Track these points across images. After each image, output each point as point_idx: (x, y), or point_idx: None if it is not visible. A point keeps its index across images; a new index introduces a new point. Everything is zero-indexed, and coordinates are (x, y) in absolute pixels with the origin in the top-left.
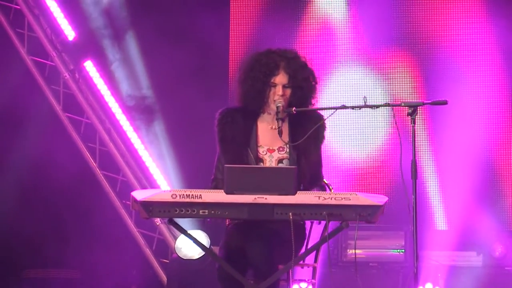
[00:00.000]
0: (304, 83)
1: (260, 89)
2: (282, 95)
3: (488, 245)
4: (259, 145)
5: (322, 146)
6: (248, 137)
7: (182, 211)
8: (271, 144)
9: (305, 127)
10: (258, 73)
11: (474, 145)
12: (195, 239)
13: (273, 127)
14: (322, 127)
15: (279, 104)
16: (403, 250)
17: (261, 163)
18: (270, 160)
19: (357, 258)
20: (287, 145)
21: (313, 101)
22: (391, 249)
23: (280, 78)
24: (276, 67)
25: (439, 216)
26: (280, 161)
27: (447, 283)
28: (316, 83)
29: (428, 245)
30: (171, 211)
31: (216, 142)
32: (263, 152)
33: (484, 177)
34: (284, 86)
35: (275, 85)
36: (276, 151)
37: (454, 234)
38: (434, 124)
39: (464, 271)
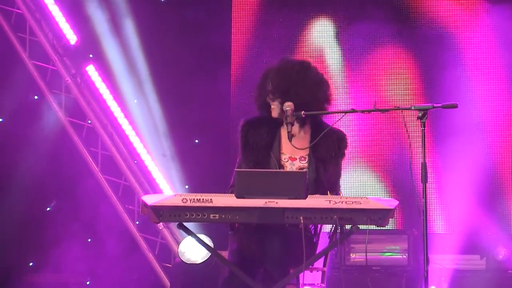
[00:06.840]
0: (292, 90)
1: (262, 98)
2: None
3: (492, 249)
4: (282, 152)
5: (343, 163)
6: (271, 142)
7: (193, 215)
8: (293, 153)
9: (326, 141)
10: (260, 82)
11: (477, 148)
12: (205, 243)
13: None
14: (344, 144)
15: (287, 108)
16: (406, 254)
17: None
18: (290, 168)
19: (360, 262)
20: (309, 155)
21: (325, 105)
22: (394, 252)
23: (271, 88)
24: (266, 78)
25: (443, 219)
26: (300, 170)
27: (450, 287)
28: (318, 87)
29: (431, 248)
30: (181, 215)
31: (238, 148)
32: (285, 159)
33: (488, 180)
34: (275, 97)
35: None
36: (298, 160)
37: (458, 237)
38: (437, 126)
39: (467, 275)
